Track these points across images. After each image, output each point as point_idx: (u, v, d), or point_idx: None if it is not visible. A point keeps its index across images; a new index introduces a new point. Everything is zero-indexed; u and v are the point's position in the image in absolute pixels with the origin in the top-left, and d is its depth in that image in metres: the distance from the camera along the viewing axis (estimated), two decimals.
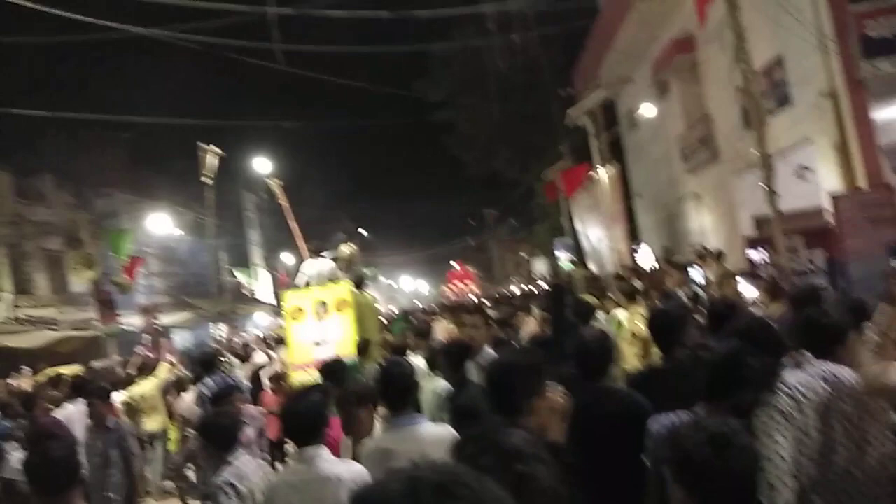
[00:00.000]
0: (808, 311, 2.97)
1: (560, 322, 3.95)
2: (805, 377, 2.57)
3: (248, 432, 4.97)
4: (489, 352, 5.09)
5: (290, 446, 5.05)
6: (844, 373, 2.57)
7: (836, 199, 8.52)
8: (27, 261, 21.26)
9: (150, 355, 11.25)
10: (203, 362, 7.86)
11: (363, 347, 7.84)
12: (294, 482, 3.08)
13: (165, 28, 12.02)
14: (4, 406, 7.84)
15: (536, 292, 21.81)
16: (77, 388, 7.25)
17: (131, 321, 18.06)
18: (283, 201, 11.08)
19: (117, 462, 5.75)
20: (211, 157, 9.50)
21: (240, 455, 3.70)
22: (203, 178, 9.46)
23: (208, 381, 7.19)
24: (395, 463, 2.89)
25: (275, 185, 11.11)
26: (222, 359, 9.16)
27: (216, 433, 3.77)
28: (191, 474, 8.34)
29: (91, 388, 6.69)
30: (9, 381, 11.00)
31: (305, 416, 3.16)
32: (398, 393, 3.37)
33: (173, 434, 8.87)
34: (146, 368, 9.32)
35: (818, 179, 10.22)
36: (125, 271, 16.66)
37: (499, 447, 1.54)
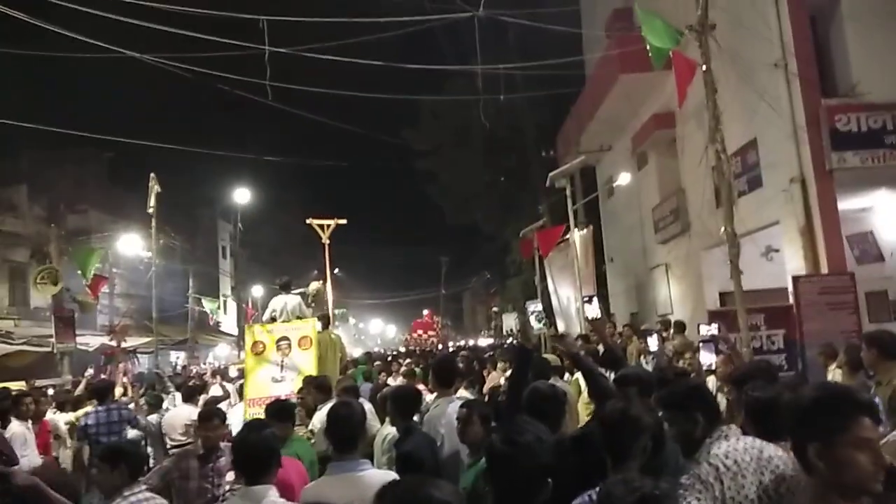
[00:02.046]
0: (744, 389, 3.06)
1: (520, 384, 3.92)
2: (729, 448, 2.63)
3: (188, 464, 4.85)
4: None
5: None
6: (770, 449, 2.63)
7: (797, 281, 8.74)
8: None
9: (103, 376, 10.97)
10: (97, 391, 7.61)
11: (321, 386, 7.73)
12: None
13: (159, 53, 12.11)
14: None
15: (504, 346, 21.78)
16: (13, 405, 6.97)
17: (88, 340, 17.64)
18: (326, 240, 11.17)
19: None
20: (155, 188, 9.49)
21: (139, 490, 3.53)
22: (150, 209, 9.45)
23: (92, 412, 7.05)
24: None
25: (322, 227, 11.16)
26: (167, 387, 8.92)
27: (122, 460, 3.56)
28: None
29: None
30: None
31: (257, 449, 3.10)
32: (344, 436, 3.32)
33: None
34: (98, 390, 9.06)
35: (784, 261, 10.51)
36: (89, 290, 16.37)
37: (417, 500, 1.56)
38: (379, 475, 3.23)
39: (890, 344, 4.29)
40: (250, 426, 3.43)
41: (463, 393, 5.46)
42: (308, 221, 12.19)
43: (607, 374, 4.42)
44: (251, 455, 3.09)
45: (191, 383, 10.24)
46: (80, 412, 8.20)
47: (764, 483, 2.54)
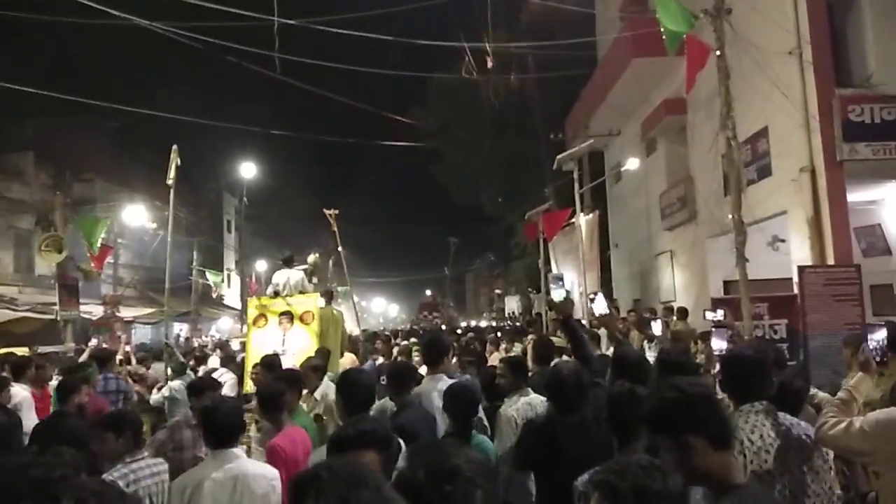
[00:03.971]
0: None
1: (579, 342, 4.26)
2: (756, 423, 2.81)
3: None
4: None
5: None
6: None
7: (803, 271, 8.69)
8: None
9: (104, 346, 11.04)
10: (99, 358, 7.65)
11: (324, 357, 7.83)
12: (222, 480, 3.16)
13: (168, 22, 12.02)
14: None
15: (506, 328, 21.83)
16: (16, 371, 7.02)
17: (91, 309, 17.72)
18: (335, 228, 11.43)
19: None
20: (176, 161, 9.43)
21: (142, 457, 3.62)
22: (168, 182, 9.39)
23: (100, 379, 7.11)
24: None
25: (331, 215, 11.45)
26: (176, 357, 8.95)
27: (128, 428, 3.62)
28: None
29: None
30: None
31: (229, 416, 3.32)
32: (356, 400, 3.44)
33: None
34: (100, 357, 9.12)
35: (790, 251, 10.45)
36: (94, 259, 16.40)
37: (437, 464, 1.56)
38: None
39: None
40: (222, 398, 3.68)
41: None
42: (324, 210, 12.71)
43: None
44: (223, 423, 3.29)
45: (197, 354, 10.31)
46: None
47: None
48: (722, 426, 2.07)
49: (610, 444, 2.95)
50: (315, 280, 10.86)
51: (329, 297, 10.18)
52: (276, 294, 9.37)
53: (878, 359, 3.22)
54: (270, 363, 6.56)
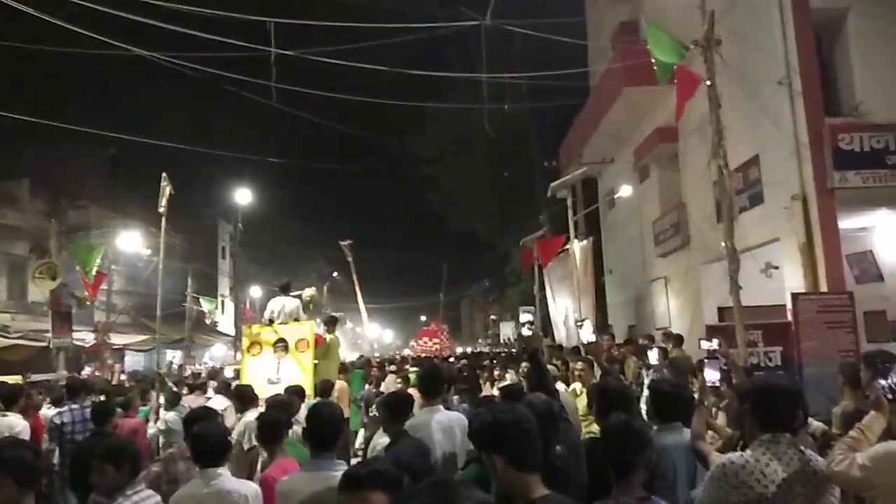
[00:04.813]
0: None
1: (538, 376, 4.21)
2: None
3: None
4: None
5: None
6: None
7: (796, 298, 8.72)
8: None
9: (97, 374, 10.94)
10: (70, 388, 7.50)
11: (326, 389, 7.86)
12: (202, 496, 3.41)
13: (165, 52, 12.15)
14: None
15: (501, 355, 21.75)
16: (8, 400, 6.92)
17: (84, 336, 17.58)
18: (350, 259, 11.56)
19: None
20: (168, 189, 9.46)
21: (140, 489, 3.59)
22: (161, 209, 9.43)
23: (66, 409, 6.97)
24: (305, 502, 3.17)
25: (346, 247, 11.64)
26: (169, 387, 8.84)
27: (126, 459, 3.54)
28: None
29: None
30: None
31: (216, 439, 3.66)
32: (323, 435, 3.41)
33: None
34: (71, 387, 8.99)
35: (783, 278, 10.49)
36: (88, 287, 16.31)
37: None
38: None
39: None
40: (208, 421, 4.02)
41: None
42: (340, 242, 12.93)
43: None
44: (210, 444, 3.61)
45: (190, 383, 10.19)
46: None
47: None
48: (521, 451, 2.33)
49: (583, 482, 3.10)
50: (311, 308, 10.83)
51: (333, 323, 10.15)
52: (271, 321, 9.33)
53: (889, 396, 3.20)
54: (241, 393, 6.52)
